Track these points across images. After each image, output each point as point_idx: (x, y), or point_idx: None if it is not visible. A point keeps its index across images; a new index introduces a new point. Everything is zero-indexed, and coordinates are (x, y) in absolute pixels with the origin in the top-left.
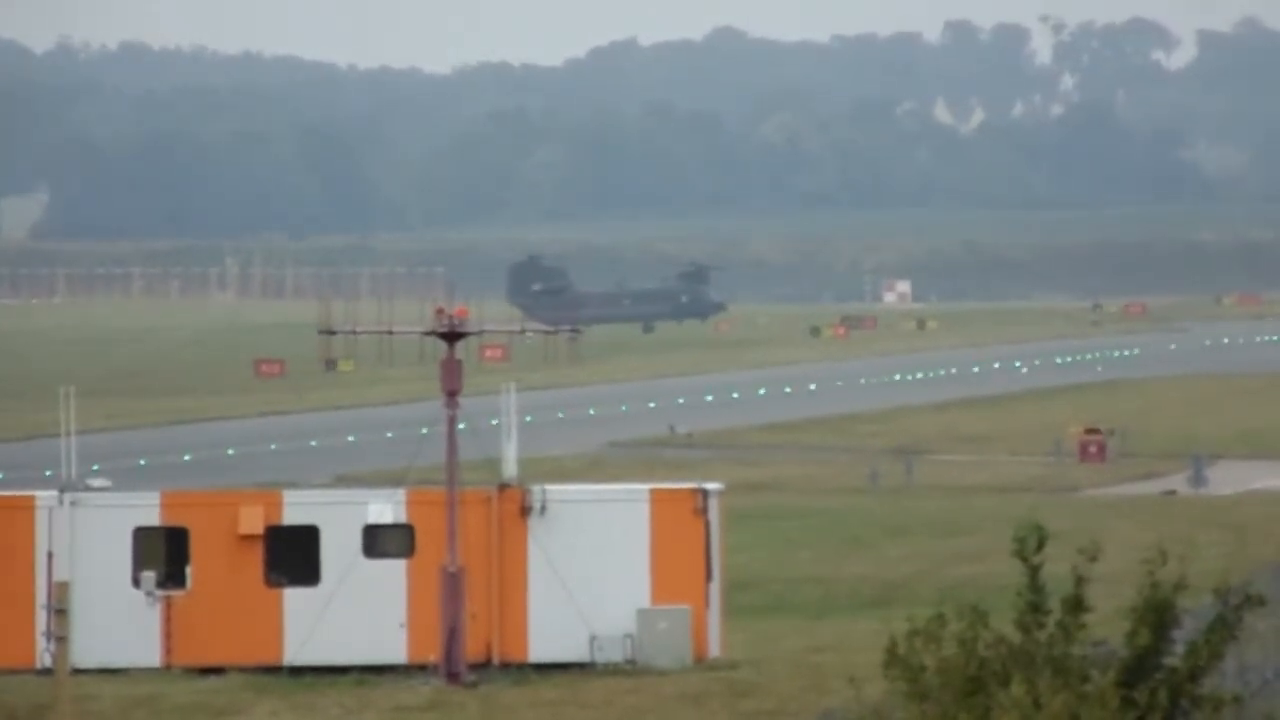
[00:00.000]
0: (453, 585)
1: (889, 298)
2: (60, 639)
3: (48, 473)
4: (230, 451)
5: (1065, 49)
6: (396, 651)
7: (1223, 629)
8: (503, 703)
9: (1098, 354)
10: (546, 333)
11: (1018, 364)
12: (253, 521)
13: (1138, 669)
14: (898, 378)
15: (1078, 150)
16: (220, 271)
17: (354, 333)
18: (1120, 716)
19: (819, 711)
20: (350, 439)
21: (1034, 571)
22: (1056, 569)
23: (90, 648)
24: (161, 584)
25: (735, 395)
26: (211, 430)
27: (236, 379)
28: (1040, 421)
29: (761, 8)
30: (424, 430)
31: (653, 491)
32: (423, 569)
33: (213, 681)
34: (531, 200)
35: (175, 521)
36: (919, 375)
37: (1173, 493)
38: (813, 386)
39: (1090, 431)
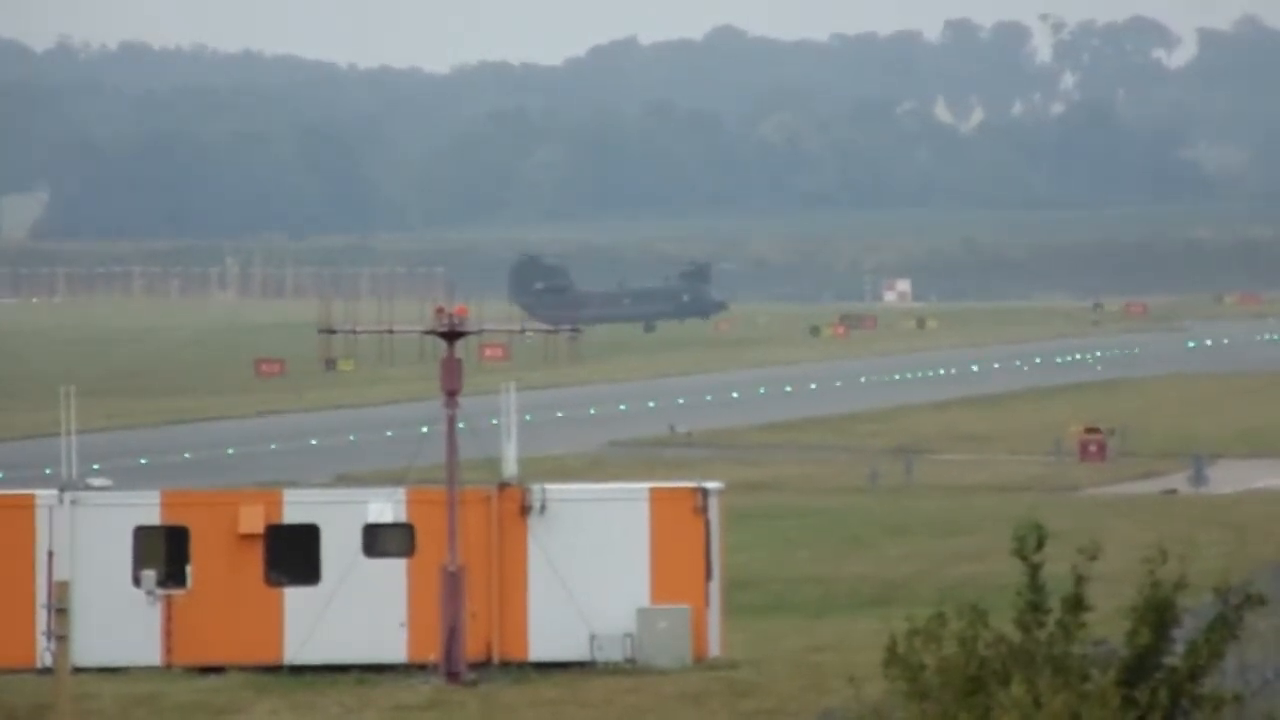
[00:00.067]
0: (453, 584)
1: (889, 297)
2: (61, 638)
3: (48, 472)
4: (230, 451)
5: (1065, 48)
6: (397, 651)
7: (1223, 628)
8: (503, 702)
9: (1098, 353)
10: (546, 332)
11: (1018, 363)
12: (253, 521)
13: (1138, 668)
14: (898, 377)
15: (1078, 149)
16: (220, 271)
17: (354, 332)
18: (1121, 716)
19: (819, 711)
20: (350, 438)
21: (1034, 571)
22: (1057, 568)
23: (91, 647)
24: (162, 583)
25: (735, 395)
26: (211, 430)
27: (237, 378)
28: (1040, 421)
29: (761, 7)
30: (424, 429)
31: (653, 491)
32: (423, 568)
33: (213, 680)
34: (531, 200)
35: (175, 521)
36: (919, 375)
37: (1173, 492)
38: (813, 386)
39: (1090, 431)
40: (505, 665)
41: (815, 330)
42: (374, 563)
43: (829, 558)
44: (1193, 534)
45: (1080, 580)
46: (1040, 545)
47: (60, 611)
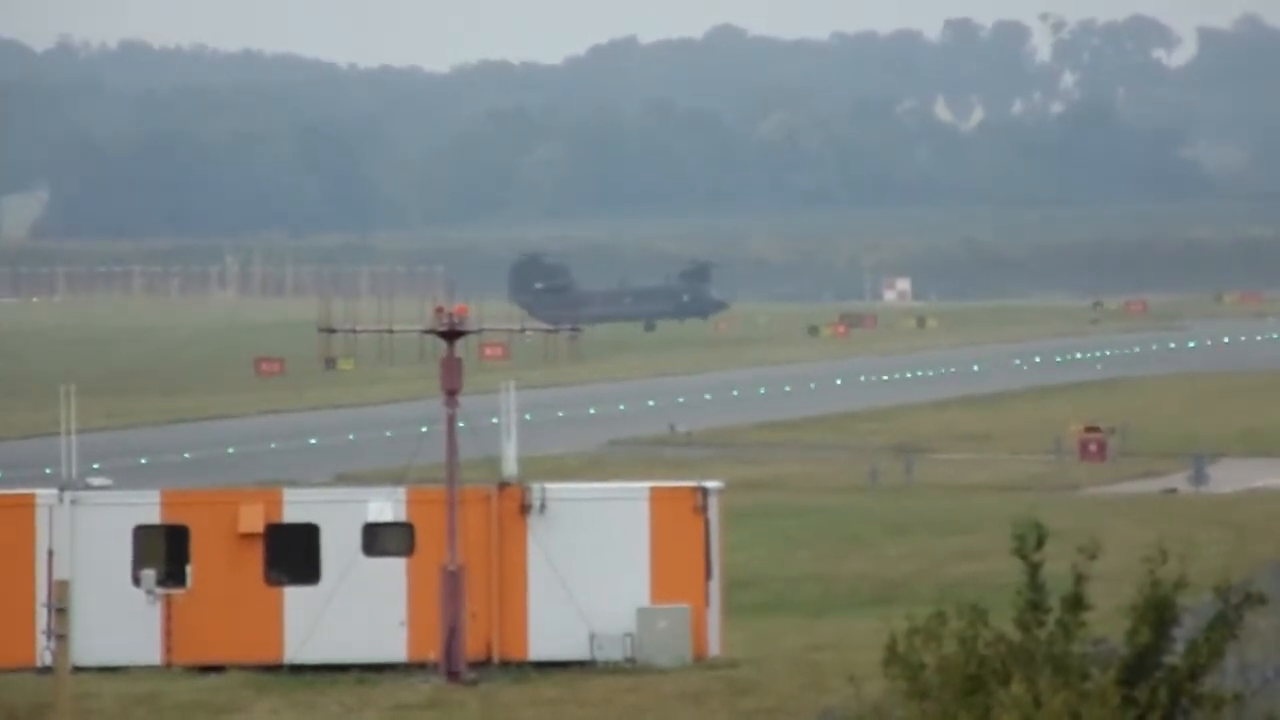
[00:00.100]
0: (453, 584)
1: (889, 296)
2: (60, 637)
3: (48, 471)
4: (230, 450)
5: (1065, 47)
6: (397, 650)
7: (1223, 627)
8: (502, 701)
9: (1099, 353)
10: (546, 331)
11: (1018, 362)
12: (253, 520)
13: (1138, 667)
14: (897, 376)
15: (1078, 148)
16: (220, 270)
17: (354, 331)
18: (1120, 715)
19: (819, 710)
20: (350, 437)
21: (1034, 570)
22: (1057, 567)
23: (91, 646)
24: (162, 582)
25: (735, 394)
26: (212, 429)
27: (236, 377)
28: (1040, 420)
29: (761, 6)
30: (424, 429)
31: (652, 490)
32: (423, 567)
33: (213, 680)
34: (531, 199)
35: (175, 520)
36: (919, 373)
37: (1173, 491)
38: (812, 385)
39: (1090, 430)
40: (505, 664)
41: (815, 329)
42: (374, 562)
43: (829, 557)
44: (1193, 533)
45: (1080, 579)
46: (1040, 544)
47: (60, 611)
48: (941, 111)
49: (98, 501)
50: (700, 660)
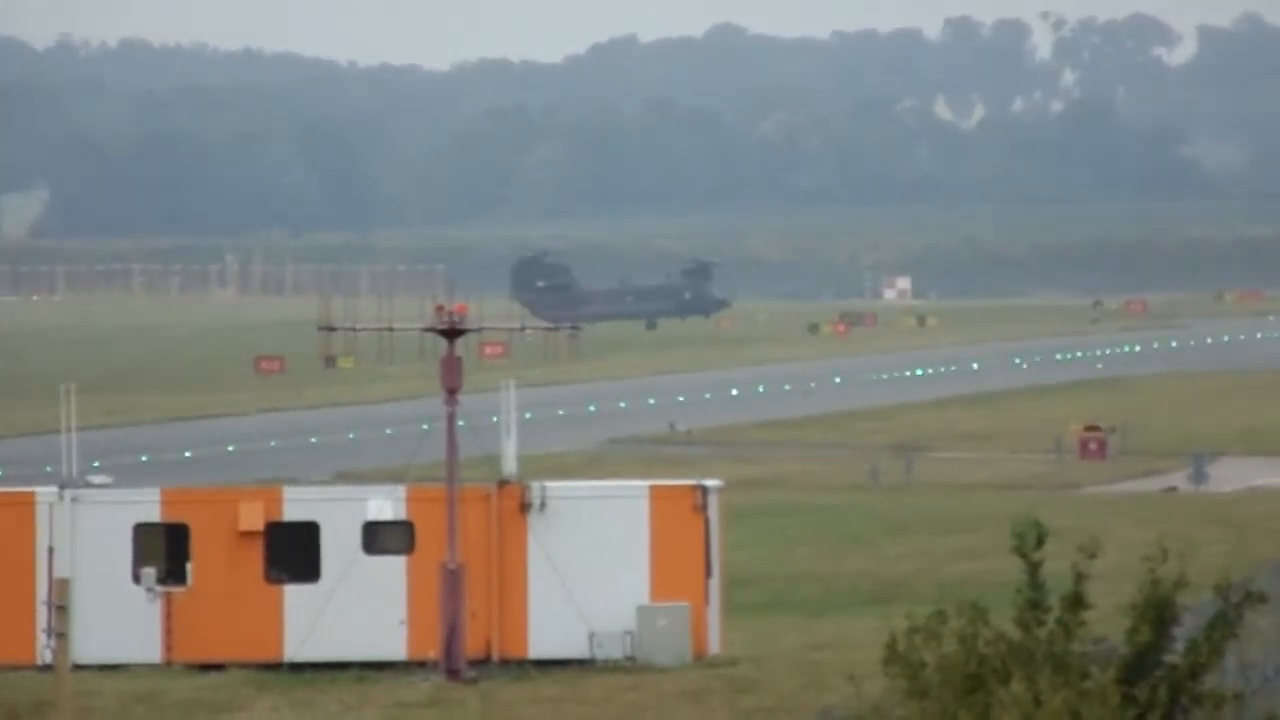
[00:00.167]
0: (452, 582)
1: (889, 294)
2: (61, 635)
3: (48, 469)
4: (230, 448)
5: (1066, 45)
6: (396, 648)
7: (1223, 626)
8: (502, 699)
9: (1099, 352)
10: (546, 330)
11: (1018, 361)
12: (253, 518)
13: (1138, 666)
14: (897, 375)
15: (1078, 147)
16: (220, 269)
17: (354, 329)
18: (1120, 714)
19: (818, 709)
20: (350, 436)
21: (1034, 568)
22: (1057, 566)
23: (91, 644)
24: (162, 580)
25: (735, 392)
26: (212, 427)
27: (237, 376)
28: (1040, 418)
29: (761, 5)
30: (424, 427)
31: (652, 488)
32: (422, 566)
33: (213, 678)
34: (531, 197)
35: (175, 518)
36: (919, 372)
37: (1173, 490)
38: (812, 384)
39: (1090, 429)
40: (505, 663)
41: (815, 328)
42: (374, 560)
43: (829, 555)
44: (1193, 532)
45: (1080, 578)
46: (1040, 543)
47: (60, 609)
48: (941, 110)
49: (98, 499)
50: (700, 659)
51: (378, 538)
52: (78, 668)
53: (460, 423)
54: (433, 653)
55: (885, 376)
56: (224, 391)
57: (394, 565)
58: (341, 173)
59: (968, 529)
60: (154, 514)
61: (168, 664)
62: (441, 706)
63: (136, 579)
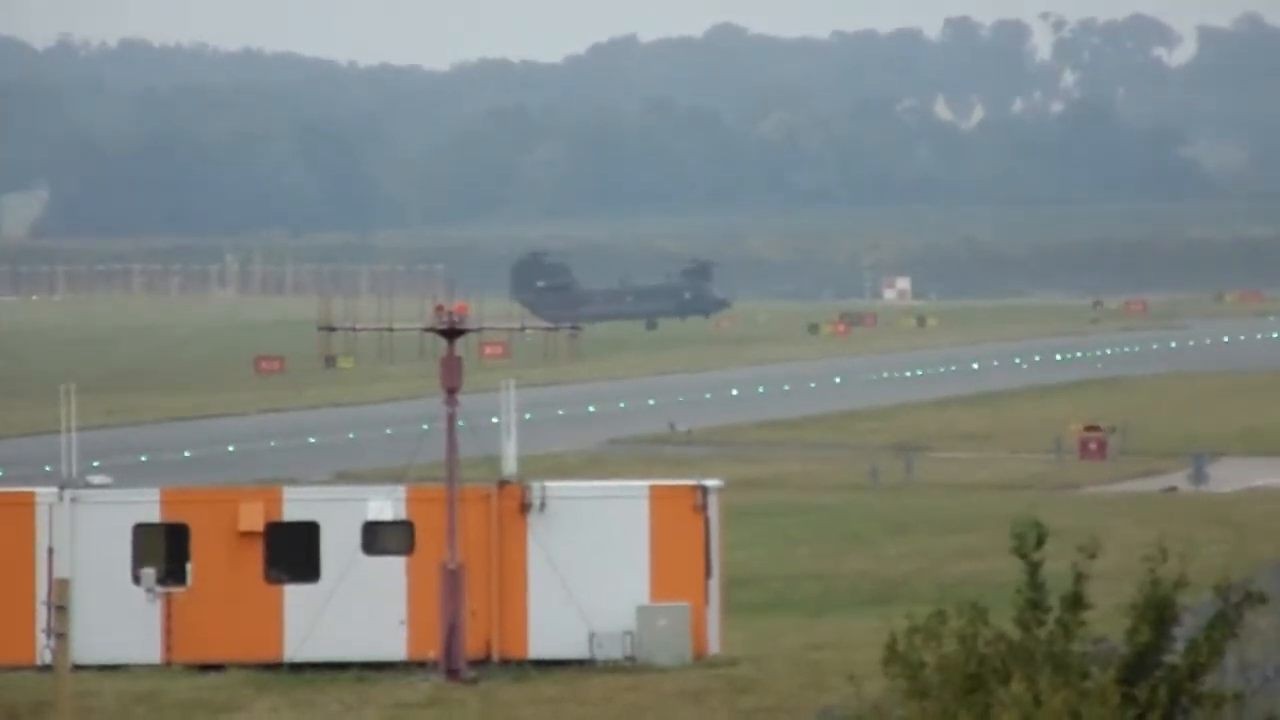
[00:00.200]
0: (452, 582)
1: (889, 294)
2: (60, 635)
3: (48, 469)
4: (230, 448)
5: (1066, 46)
6: (396, 648)
7: (1223, 626)
8: (502, 699)
9: (1099, 352)
10: (546, 330)
11: (1018, 361)
12: (253, 518)
13: (1138, 666)
14: (897, 375)
15: (1078, 147)
16: (220, 269)
17: (354, 329)
18: (1120, 714)
19: (818, 709)
20: (350, 436)
21: (1034, 568)
22: (1057, 566)
23: (91, 644)
24: (162, 580)
25: (735, 392)
26: (212, 427)
27: (237, 376)
28: (1040, 419)
29: (761, 4)
30: (424, 427)
31: (652, 488)
32: (422, 566)
33: (213, 678)
34: (531, 197)
35: (175, 518)
36: (919, 372)
37: (1173, 490)
38: (812, 384)
39: (1090, 429)
40: (505, 663)
41: (815, 328)
42: (374, 560)
43: (829, 555)
44: (1193, 532)
45: (1080, 578)
46: (1040, 543)
47: (60, 609)
48: (941, 111)
49: (98, 500)
50: (700, 659)
51: (378, 538)
52: (77, 668)
53: (460, 423)
54: (433, 653)
55: (885, 376)
56: (224, 391)
57: (394, 565)
58: (341, 173)
59: (968, 529)
60: (154, 514)
61: (167, 664)
62: (441, 707)
63: (136, 579)
